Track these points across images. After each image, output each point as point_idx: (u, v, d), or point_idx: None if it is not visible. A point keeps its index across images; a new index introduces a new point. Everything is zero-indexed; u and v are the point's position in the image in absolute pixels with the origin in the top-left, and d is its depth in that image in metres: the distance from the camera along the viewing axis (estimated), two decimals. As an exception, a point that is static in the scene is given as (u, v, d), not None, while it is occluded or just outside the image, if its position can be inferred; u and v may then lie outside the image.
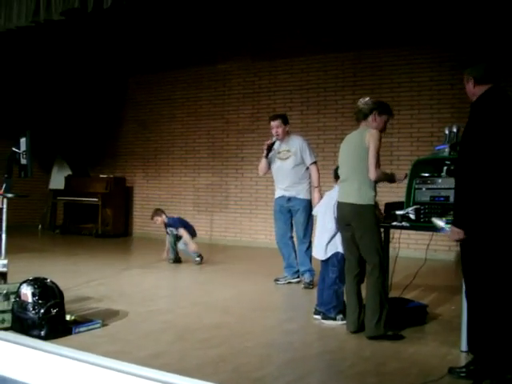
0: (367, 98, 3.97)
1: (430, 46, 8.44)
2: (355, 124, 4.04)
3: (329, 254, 4.31)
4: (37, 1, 5.28)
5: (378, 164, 3.75)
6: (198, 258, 7.32)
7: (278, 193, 6.11)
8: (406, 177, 4.16)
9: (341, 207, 3.93)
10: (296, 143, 6.04)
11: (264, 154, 6.07)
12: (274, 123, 6.05)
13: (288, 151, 6.02)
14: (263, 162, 6.15)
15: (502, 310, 2.96)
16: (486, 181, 2.93)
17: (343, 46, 9.10)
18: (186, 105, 10.86)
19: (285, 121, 6.08)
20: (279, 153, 6.06)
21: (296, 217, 6.01)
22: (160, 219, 7.54)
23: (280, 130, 6.02)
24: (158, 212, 7.65)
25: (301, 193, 5.98)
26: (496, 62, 3.13)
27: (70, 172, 11.93)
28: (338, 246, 4.26)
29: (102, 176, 11.14)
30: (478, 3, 7.56)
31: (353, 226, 3.81)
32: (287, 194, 6.02)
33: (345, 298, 4.11)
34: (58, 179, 11.93)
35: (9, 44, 8.80)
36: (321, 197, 5.48)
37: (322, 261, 4.42)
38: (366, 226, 3.76)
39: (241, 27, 9.90)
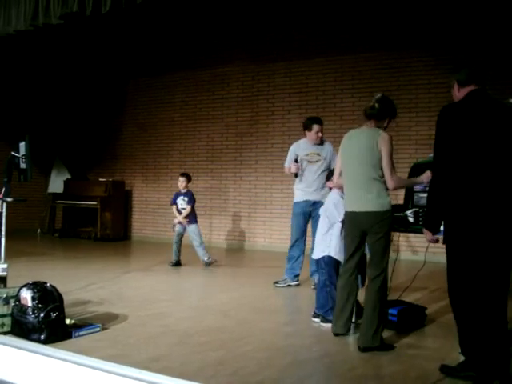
0: (383, 97, 3.74)
1: (428, 49, 8.45)
2: (354, 126, 3.84)
3: (320, 255, 4.33)
4: (35, 5, 5.30)
5: (393, 170, 3.62)
6: (207, 260, 7.38)
7: (302, 196, 6.03)
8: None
9: (356, 216, 3.70)
10: (327, 149, 6.01)
11: (294, 175, 5.99)
12: (320, 127, 5.93)
13: (318, 155, 5.97)
14: (293, 169, 5.99)
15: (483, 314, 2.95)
16: (456, 183, 2.97)
17: (342, 49, 9.13)
18: (185, 108, 10.87)
19: None
20: (307, 155, 5.98)
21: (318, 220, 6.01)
22: (184, 184, 7.71)
23: (321, 135, 5.99)
24: (188, 177, 7.85)
25: (324, 197, 5.98)
26: (479, 65, 3.14)
27: (68, 176, 11.94)
28: (330, 249, 4.26)
29: (100, 179, 11.12)
30: (475, 7, 7.60)
31: (371, 231, 3.65)
32: (312, 198, 5.95)
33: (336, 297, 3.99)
34: (56, 183, 11.93)
35: (8, 48, 8.82)
36: None
37: (317, 263, 4.46)
38: (384, 232, 3.63)
39: (240, 31, 9.95)
